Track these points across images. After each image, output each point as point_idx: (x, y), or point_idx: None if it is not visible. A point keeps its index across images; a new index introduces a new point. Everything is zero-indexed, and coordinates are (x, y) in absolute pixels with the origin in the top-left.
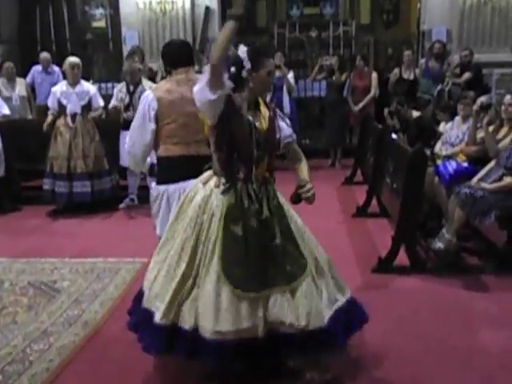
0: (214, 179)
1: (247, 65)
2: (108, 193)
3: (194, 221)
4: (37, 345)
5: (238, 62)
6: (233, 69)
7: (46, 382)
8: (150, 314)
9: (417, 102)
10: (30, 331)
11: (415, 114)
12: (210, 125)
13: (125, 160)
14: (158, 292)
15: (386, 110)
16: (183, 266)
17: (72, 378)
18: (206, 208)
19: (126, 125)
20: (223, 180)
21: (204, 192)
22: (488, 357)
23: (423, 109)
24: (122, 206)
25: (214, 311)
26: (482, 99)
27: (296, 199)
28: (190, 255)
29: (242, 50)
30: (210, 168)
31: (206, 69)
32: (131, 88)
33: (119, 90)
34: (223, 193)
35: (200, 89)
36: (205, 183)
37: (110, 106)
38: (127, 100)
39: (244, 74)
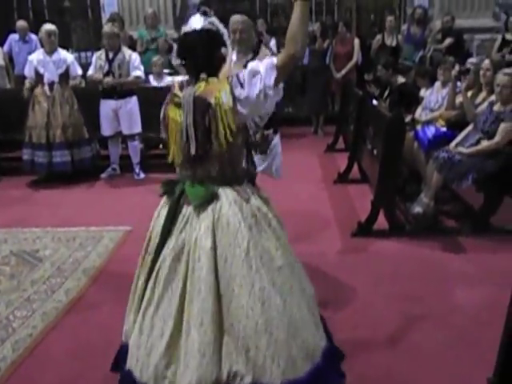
0: (246, 191)
1: (228, 41)
2: (88, 162)
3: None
4: (20, 312)
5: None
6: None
7: (29, 348)
8: None
9: (398, 69)
10: (13, 299)
11: (400, 79)
12: (241, 125)
13: (105, 130)
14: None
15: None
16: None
17: (55, 344)
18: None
19: (106, 93)
20: (247, 187)
21: (247, 212)
22: (464, 314)
23: (405, 75)
24: (103, 175)
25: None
26: (471, 60)
27: None
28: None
29: (221, 26)
30: (208, 183)
31: (273, 59)
32: (110, 55)
33: (98, 58)
34: (264, 201)
35: (265, 83)
36: (248, 199)
37: (89, 74)
38: (106, 68)
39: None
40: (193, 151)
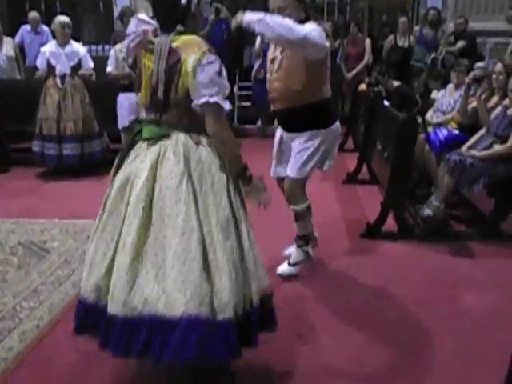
0: (200, 138)
1: None
2: (98, 156)
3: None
4: (27, 302)
5: None
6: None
7: (36, 339)
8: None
9: (410, 70)
10: (20, 289)
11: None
12: None
13: (124, 123)
14: None
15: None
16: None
17: (61, 336)
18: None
19: (127, 87)
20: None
21: (194, 155)
22: (472, 320)
23: (416, 77)
24: None
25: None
26: (479, 64)
27: None
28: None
29: None
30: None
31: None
32: None
33: (118, 51)
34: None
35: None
36: (198, 143)
37: (109, 70)
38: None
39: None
40: (160, 96)
